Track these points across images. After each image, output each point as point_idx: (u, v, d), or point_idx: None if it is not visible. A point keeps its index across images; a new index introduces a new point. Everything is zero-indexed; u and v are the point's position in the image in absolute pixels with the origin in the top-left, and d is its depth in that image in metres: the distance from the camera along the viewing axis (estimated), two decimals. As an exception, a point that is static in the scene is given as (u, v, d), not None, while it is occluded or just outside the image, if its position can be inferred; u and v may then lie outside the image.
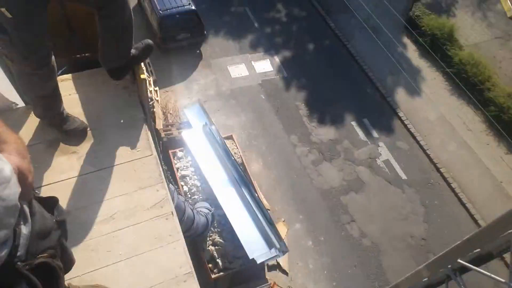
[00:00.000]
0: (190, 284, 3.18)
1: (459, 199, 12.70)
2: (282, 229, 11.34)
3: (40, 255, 1.78)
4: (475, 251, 2.39)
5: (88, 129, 3.81)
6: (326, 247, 11.40)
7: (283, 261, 10.85)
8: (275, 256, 9.76)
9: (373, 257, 11.32)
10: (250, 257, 9.39)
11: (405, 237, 11.80)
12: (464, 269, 2.35)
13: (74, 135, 3.75)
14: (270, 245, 9.86)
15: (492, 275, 2.34)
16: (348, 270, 11.01)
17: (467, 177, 13.19)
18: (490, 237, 2.09)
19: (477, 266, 2.42)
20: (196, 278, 3.24)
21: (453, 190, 12.92)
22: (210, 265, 9.97)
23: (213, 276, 9.82)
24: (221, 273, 9.93)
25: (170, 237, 3.38)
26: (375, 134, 14.19)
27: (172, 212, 3.54)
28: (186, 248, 3.38)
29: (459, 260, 2.22)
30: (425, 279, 2.58)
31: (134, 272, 3.17)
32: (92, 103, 4.03)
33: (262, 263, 9.73)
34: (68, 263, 2.43)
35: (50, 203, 2.12)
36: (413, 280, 2.65)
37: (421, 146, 14.02)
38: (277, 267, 10.86)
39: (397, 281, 2.82)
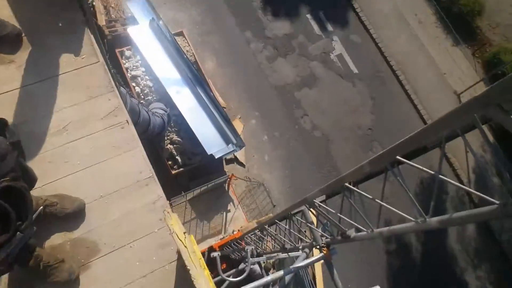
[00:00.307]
0: (152, 187, 3.37)
1: (405, 91, 13.42)
2: (238, 125, 11.69)
3: (2, 180, 1.81)
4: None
5: (23, 35, 3.49)
6: (280, 140, 12.02)
7: (240, 155, 11.43)
8: (232, 151, 10.22)
9: (323, 146, 12.17)
10: (209, 153, 9.78)
11: (353, 128, 12.63)
12: (400, 162, 2.65)
13: (8, 42, 3.44)
14: (227, 141, 10.25)
15: (424, 168, 2.67)
16: (301, 160, 11.87)
17: (414, 69, 13.76)
18: (430, 136, 2.31)
19: (411, 159, 2.75)
20: (157, 181, 3.42)
21: (400, 82, 13.56)
22: (170, 162, 10.33)
23: (173, 172, 10.25)
24: (181, 169, 10.37)
25: (128, 145, 3.45)
26: (329, 27, 14.01)
27: (127, 120, 3.54)
28: (145, 154, 3.49)
29: (398, 157, 2.49)
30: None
31: (94, 180, 3.28)
32: (24, 5, 3.62)
33: (220, 157, 10.20)
34: (31, 181, 2.48)
35: (-1, 126, 2.07)
36: (356, 174, 2.96)
37: (373, 39, 14.14)
38: (235, 160, 11.47)
39: (341, 175, 3.12)
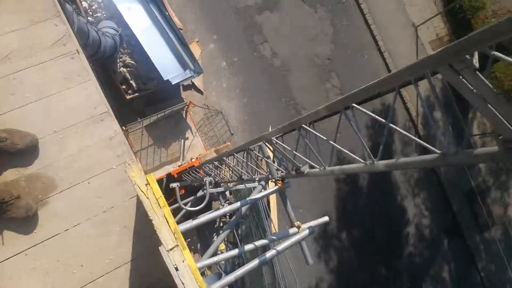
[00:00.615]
0: (108, 123, 3.28)
1: (366, 21, 13.31)
2: (195, 49, 11.23)
3: None
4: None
5: None
6: (239, 67, 11.80)
7: (198, 81, 11.17)
8: (190, 77, 9.93)
9: (282, 76, 12.14)
10: (165, 79, 9.45)
11: (312, 57, 12.58)
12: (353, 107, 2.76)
13: None
14: (184, 66, 9.89)
15: (376, 116, 2.80)
16: (259, 88, 11.84)
17: (376, -2, 13.54)
18: (385, 86, 2.41)
19: (366, 102, 2.87)
20: (113, 116, 3.32)
21: (361, 11, 13.36)
22: (124, 87, 9.92)
23: (128, 97, 9.90)
24: (136, 94, 10.03)
25: (80, 77, 3.26)
26: None
27: (77, 50, 3.30)
28: (99, 88, 3.33)
29: (353, 105, 2.59)
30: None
31: (46, 114, 3.13)
32: None
33: (177, 83, 9.92)
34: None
35: None
36: (313, 117, 3.04)
37: (339, -38, 13.52)
38: (192, 86, 11.22)
39: (299, 117, 3.20)
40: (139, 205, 3.19)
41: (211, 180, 5.97)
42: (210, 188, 5.70)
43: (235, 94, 11.58)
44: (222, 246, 9.04)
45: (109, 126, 3.27)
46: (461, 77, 1.94)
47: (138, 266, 3.11)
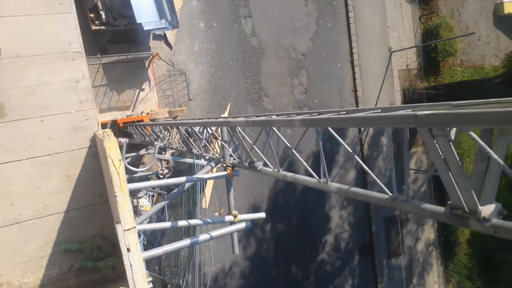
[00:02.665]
0: (78, 64, 3.07)
1: (349, 30, 13.51)
2: (177, 1, 10.72)
3: None
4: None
5: None
6: (216, 34, 11.48)
7: (170, 34, 10.71)
8: (164, 28, 9.51)
9: (255, 57, 12.04)
10: (138, 21, 8.98)
11: (289, 49, 12.58)
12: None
13: None
14: (161, 15, 9.43)
15: (345, 144, 2.95)
16: (230, 61, 11.65)
17: (365, 13, 13.76)
18: (367, 124, 2.53)
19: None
20: (85, 59, 3.12)
21: (348, 19, 13.54)
22: (92, 15, 9.23)
23: (93, 27, 9.25)
24: (103, 27, 9.40)
25: (61, 6, 2.99)
26: None
27: (65, -24, 3.02)
28: (77, 24, 3.09)
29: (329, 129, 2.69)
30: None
31: (12, 33, 2.85)
32: None
33: (148, 30, 9.46)
34: None
35: None
36: (286, 124, 3.10)
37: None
38: (163, 38, 10.74)
39: (271, 119, 3.24)
40: (89, 157, 3.06)
41: (161, 145, 5.84)
42: (158, 155, 5.58)
43: (204, 60, 11.29)
44: (149, 207, 8.97)
45: (79, 68, 3.06)
46: (435, 141, 2.10)
47: (71, 218, 3.01)
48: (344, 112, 3.36)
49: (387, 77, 13.74)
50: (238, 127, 4.01)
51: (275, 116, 4.01)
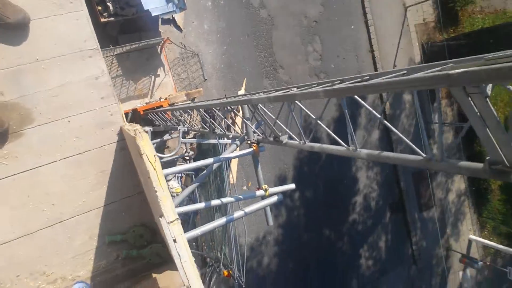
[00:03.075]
0: (96, 61, 3.08)
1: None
2: (182, -18, 10.52)
3: None
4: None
5: None
6: (225, 11, 11.27)
7: (178, 17, 10.58)
8: (172, 11, 9.39)
9: (266, 29, 11.79)
10: (145, 8, 8.91)
11: (299, 16, 12.25)
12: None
13: None
14: (167, -2, 9.32)
15: (373, 111, 2.88)
16: (241, 37, 11.47)
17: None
18: (392, 88, 2.45)
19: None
20: (102, 56, 3.13)
21: (358, -21, 12.99)
22: (99, 8, 9.20)
23: (102, 19, 9.23)
24: (112, 18, 9.37)
25: (72, 4, 2.99)
26: None
27: (71, -27, 2.99)
28: (90, 20, 3.08)
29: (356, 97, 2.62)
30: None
31: (29, 39, 2.87)
32: None
33: (157, 16, 9.37)
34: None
35: None
36: (309, 96, 3.05)
37: None
38: (172, 22, 10.63)
39: (294, 92, 3.19)
40: (119, 151, 3.12)
41: (184, 129, 5.88)
42: (182, 139, 5.64)
43: (215, 39, 11.15)
44: (179, 189, 9.16)
45: (97, 65, 3.07)
46: (469, 99, 2.02)
47: (109, 211, 3.10)
48: (368, 77, 3.27)
49: (404, 34, 13.24)
50: (259, 104, 3.98)
51: (296, 89, 3.95)
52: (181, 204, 4.92)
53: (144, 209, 3.15)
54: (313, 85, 3.87)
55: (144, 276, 3.18)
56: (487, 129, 1.99)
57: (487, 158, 2.08)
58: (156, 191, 2.00)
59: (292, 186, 4.73)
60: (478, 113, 1.98)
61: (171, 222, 1.96)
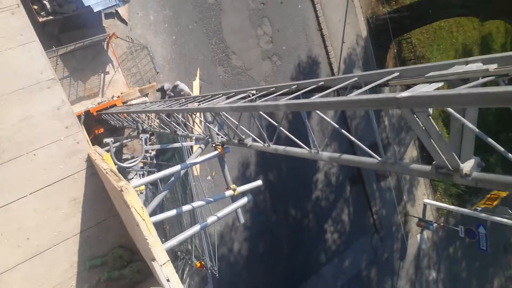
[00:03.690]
0: (55, 91, 3.04)
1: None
2: (121, -28, 10.06)
3: None
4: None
5: None
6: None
7: (122, 10, 10.19)
8: (114, 5, 9.02)
9: (214, 15, 11.66)
10: (86, 4, 8.51)
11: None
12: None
13: None
14: (108, -9, 8.93)
15: (332, 122, 3.10)
16: (189, 25, 11.27)
17: None
18: (352, 107, 2.68)
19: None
20: (60, 84, 3.08)
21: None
22: (35, 7, 8.66)
23: (40, 19, 8.72)
24: (50, 17, 8.87)
25: (22, 37, 2.91)
26: None
27: (18, 4, 2.89)
28: (43, 51, 3.02)
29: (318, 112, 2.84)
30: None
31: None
32: None
33: (99, 11, 8.99)
34: None
35: None
36: (271, 109, 3.23)
37: None
38: (116, 15, 10.23)
39: (256, 104, 3.36)
40: (89, 177, 3.14)
41: (147, 137, 5.85)
42: (146, 146, 5.62)
43: (163, 29, 10.90)
44: (142, 187, 9.13)
45: (56, 95, 3.04)
46: (415, 116, 2.31)
47: (87, 237, 3.16)
48: (322, 83, 3.49)
49: (349, 9, 13.61)
50: (223, 112, 4.09)
51: (255, 91, 4.10)
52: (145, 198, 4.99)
53: (121, 230, 3.23)
54: (271, 89, 4.04)
55: (127, 293, 3.29)
56: (431, 139, 2.30)
57: (434, 162, 2.40)
58: (146, 239, 2.11)
59: (259, 182, 4.95)
60: (423, 127, 2.27)
61: (163, 264, 2.09)
